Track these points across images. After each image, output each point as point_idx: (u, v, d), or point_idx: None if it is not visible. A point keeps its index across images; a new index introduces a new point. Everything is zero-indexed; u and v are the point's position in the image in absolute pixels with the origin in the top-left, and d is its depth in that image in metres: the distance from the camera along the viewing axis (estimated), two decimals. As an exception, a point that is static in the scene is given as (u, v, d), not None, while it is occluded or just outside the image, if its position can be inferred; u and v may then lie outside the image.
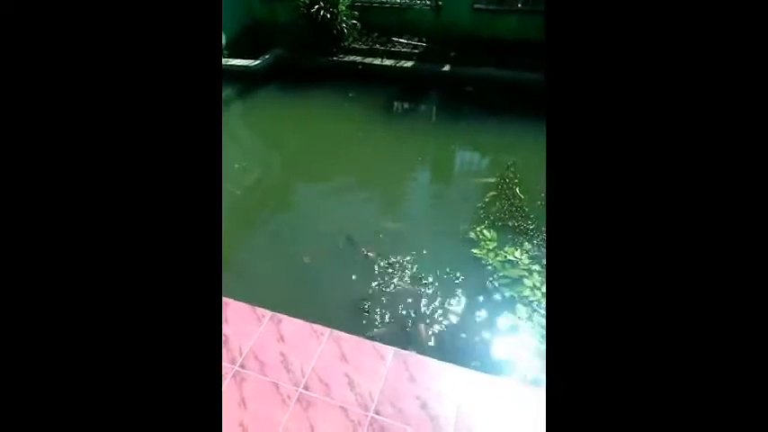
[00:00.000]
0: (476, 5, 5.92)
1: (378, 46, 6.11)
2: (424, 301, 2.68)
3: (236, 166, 4.24)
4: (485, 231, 3.18)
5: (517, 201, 3.49)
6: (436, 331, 2.50)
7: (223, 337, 2.21)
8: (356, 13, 6.07)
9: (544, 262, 2.87)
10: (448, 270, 2.89)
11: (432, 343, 2.44)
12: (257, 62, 5.93)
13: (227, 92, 5.76)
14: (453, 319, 2.58)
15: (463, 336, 2.49)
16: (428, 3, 6.12)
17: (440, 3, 6.02)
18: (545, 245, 3.00)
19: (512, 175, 3.80)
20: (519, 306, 2.62)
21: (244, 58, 6.05)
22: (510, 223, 3.26)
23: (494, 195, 3.60)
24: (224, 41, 6.35)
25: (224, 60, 6.06)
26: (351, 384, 1.99)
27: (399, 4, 6.26)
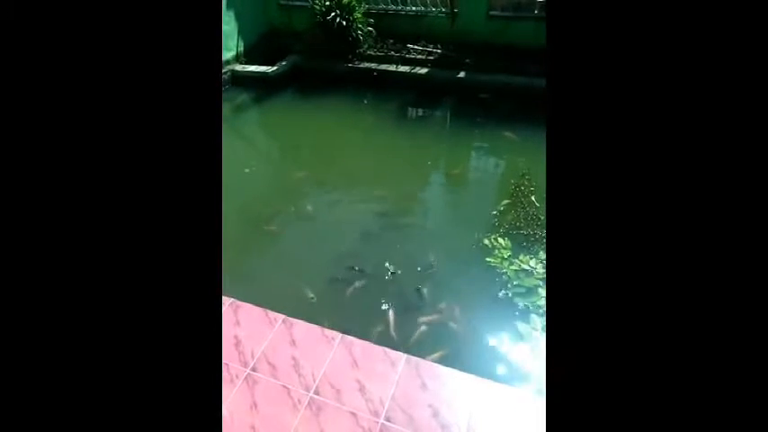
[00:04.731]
0: (491, 12, 5.92)
1: (393, 53, 6.13)
2: (435, 308, 2.66)
3: (247, 170, 4.29)
4: (499, 239, 3.14)
5: (532, 209, 3.45)
6: (450, 340, 2.48)
7: (236, 340, 2.22)
8: (371, 20, 6.11)
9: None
10: (461, 277, 2.86)
11: (445, 351, 2.41)
12: (274, 68, 6.01)
13: (244, 97, 5.85)
14: (466, 327, 2.55)
15: (477, 345, 2.46)
16: (443, 10, 6.13)
17: (455, 10, 6.03)
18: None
19: (527, 183, 3.75)
20: (533, 316, 2.58)
21: (261, 65, 6.14)
22: (525, 231, 3.22)
23: (508, 203, 3.56)
24: (242, 49, 6.46)
25: (242, 67, 6.16)
26: (361, 390, 1.98)
27: (415, 11, 6.29)
